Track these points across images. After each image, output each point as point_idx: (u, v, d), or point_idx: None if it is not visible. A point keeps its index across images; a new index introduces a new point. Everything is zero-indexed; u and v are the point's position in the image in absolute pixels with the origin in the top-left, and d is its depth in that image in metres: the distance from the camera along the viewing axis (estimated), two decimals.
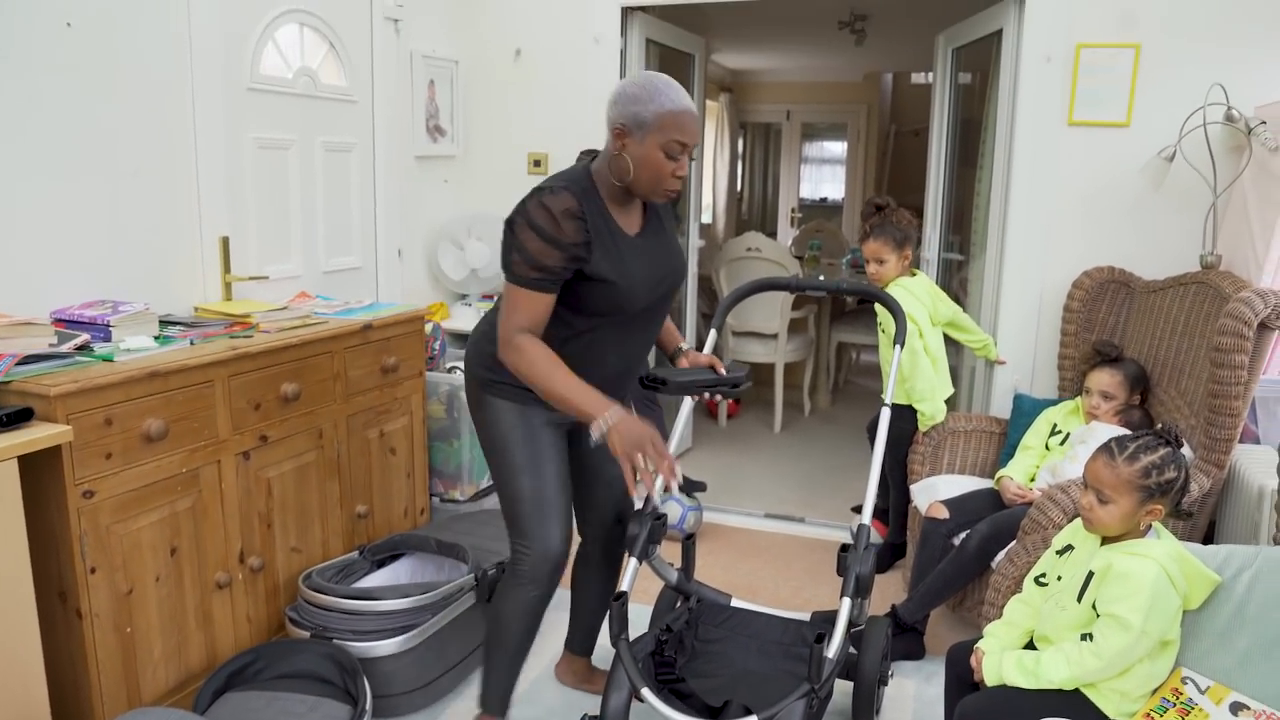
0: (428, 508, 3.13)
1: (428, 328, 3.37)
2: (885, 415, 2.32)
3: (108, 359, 2.11)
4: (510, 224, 1.90)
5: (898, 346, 2.47)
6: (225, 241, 2.77)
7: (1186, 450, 2.59)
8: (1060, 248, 3.28)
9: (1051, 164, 3.25)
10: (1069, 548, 1.98)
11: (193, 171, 2.66)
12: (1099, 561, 1.82)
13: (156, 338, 2.33)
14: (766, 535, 3.67)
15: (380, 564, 2.73)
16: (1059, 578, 1.96)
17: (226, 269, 2.78)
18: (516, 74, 3.83)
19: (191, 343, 2.34)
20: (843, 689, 2.39)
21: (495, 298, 2.18)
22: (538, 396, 1.98)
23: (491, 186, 3.92)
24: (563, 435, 2.17)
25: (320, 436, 2.61)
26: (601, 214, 1.95)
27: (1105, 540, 1.88)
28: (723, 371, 2.22)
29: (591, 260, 1.92)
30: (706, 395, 2.21)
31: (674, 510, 3.53)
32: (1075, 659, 1.78)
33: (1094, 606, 1.80)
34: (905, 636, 2.78)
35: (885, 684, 2.47)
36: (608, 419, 1.84)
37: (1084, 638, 1.80)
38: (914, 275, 3.14)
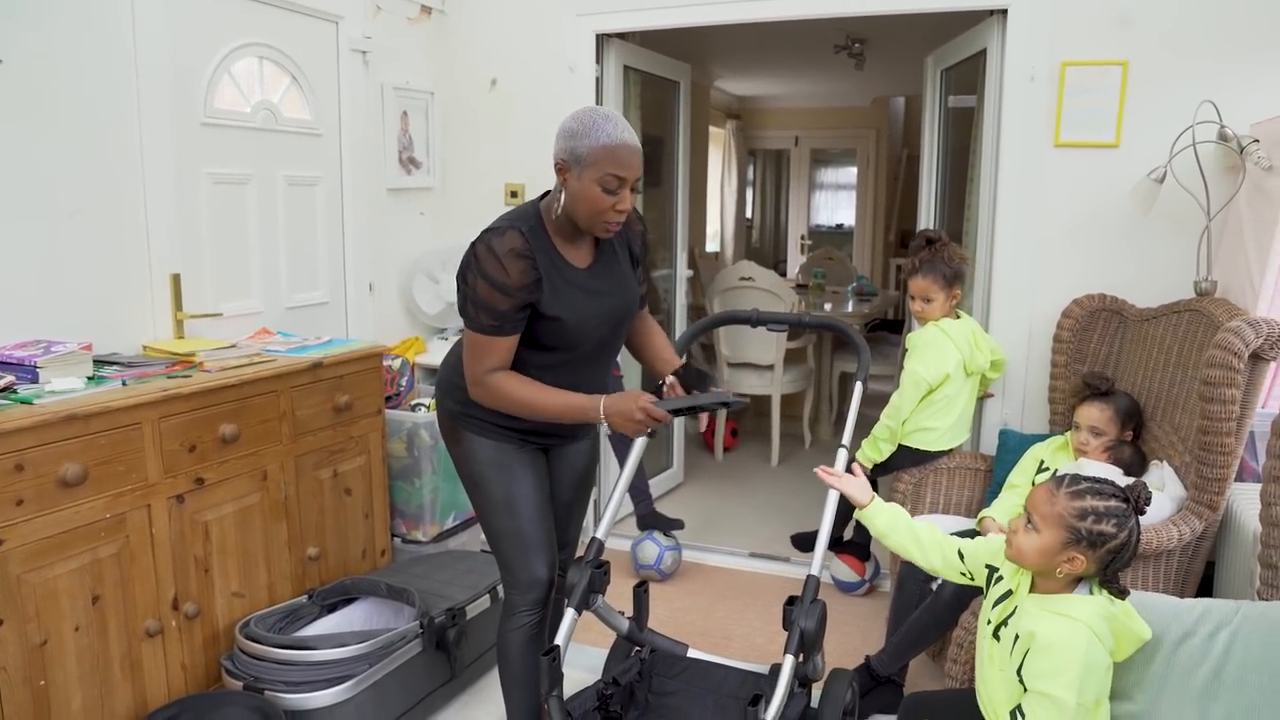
0: (389, 549, 3.03)
1: (395, 363, 3.30)
2: (841, 457, 2.20)
3: (26, 402, 2.04)
4: (462, 272, 1.90)
5: (859, 383, 2.35)
6: (176, 279, 2.71)
7: (1162, 498, 2.42)
8: (1049, 275, 3.14)
9: (1039, 187, 3.11)
10: (1000, 576, 1.81)
11: (141, 208, 2.61)
12: (1025, 623, 1.65)
13: (90, 378, 2.27)
14: (749, 576, 3.53)
15: (332, 608, 2.64)
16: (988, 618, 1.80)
17: (178, 306, 2.73)
18: (493, 104, 3.77)
19: (124, 383, 2.27)
20: None
21: None
22: (509, 428, 2.06)
23: (469, 218, 3.80)
24: (540, 455, 2.16)
25: (265, 478, 2.53)
26: (549, 251, 1.94)
27: (1033, 585, 1.72)
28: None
29: (542, 299, 1.92)
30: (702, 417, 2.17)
31: (650, 550, 3.42)
32: None
33: (1020, 675, 1.64)
34: (882, 689, 2.63)
35: None
36: (600, 414, 1.91)
37: (1014, 713, 1.64)
38: (959, 318, 2.98)
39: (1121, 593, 1.66)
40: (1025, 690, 1.62)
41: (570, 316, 1.95)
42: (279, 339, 2.93)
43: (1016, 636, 1.65)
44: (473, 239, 1.92)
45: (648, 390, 2.18)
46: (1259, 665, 1.62)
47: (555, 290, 1.92)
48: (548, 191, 2.02)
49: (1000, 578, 1.80)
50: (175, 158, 2.69)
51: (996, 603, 1.76)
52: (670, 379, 2.22)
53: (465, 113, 3.82)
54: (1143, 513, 1.63)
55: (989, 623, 1.80)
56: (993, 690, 1.72)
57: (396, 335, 3.68)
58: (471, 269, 1.88)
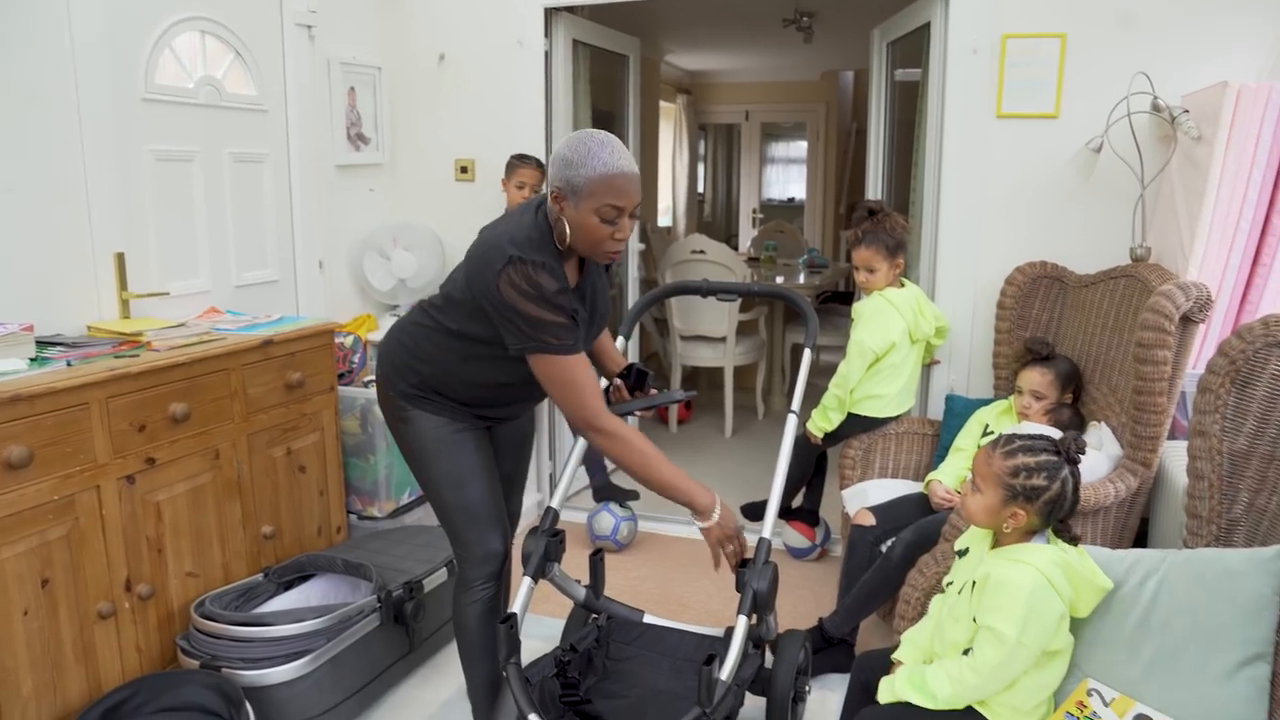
0: (345, 525, 3.03)
1: (348, 340, 3.29)
2: (791, 423, 2.25)
3: None
4: (506, 302, 1.81)
5: (807, 350, 2.40)
6: (120, 258, 2.67)
7: (1100, 457, 2.51)
8: (993, 243, 3.21)
9: (982, 158, 3.17)
10: (966, 550, 1.90)
11: (81, 186, 2.56)
12: (982, 569, 1.74)
13: (33, 359, 2.24)
14: (704, 544, 3.57)
15: (288, 586, 2.64)
16: (951, 583, 1.88)
17: (123, 286, 2.68)
18: (441, 79, 3.74)
19: (69, 364, 2.24)
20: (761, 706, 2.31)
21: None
22: (460, 406, 2.07)
23: (419, 194, 3.83)
24: (484, 431, 2.17)
25: (217, 456, 2.52)
26: (564, 280, 1.91)
27: (994, 544, 1.81)
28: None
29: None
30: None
31: (606, 521, 3.46)
32: (955, 676, 1.70)
33: (975, 619, 1.72)
34: (834, 649, 2.70)
35: (803, 700, 2.38)
36: (715, 514, 1.95)
37: (966, 652, 1.73)
38: (902, 286, 3.02)
39: (1073, 540, 1.75)
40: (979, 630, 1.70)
41: None
42: (228, 318, 2.90)
43: (974, 583, 1.73)
44: (499, 264, 1.81)
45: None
46: (1183, 608, 1.70)
47: None
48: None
49: (967, 551, 1.88)
50: (116, 134, 2.63)
51: (959, 554, 1.86)
52: (617, 381, 2.27)
53: (413, 88, 3.78)
54: (1075, 462, 1.71)
55: (950, 584, 1.88)
56: (950, 645, 1.78)
57: (348, 313, 3.65)
58: (519, 298, 1.81)
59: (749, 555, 2.05)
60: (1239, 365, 1.83)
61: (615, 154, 1.81)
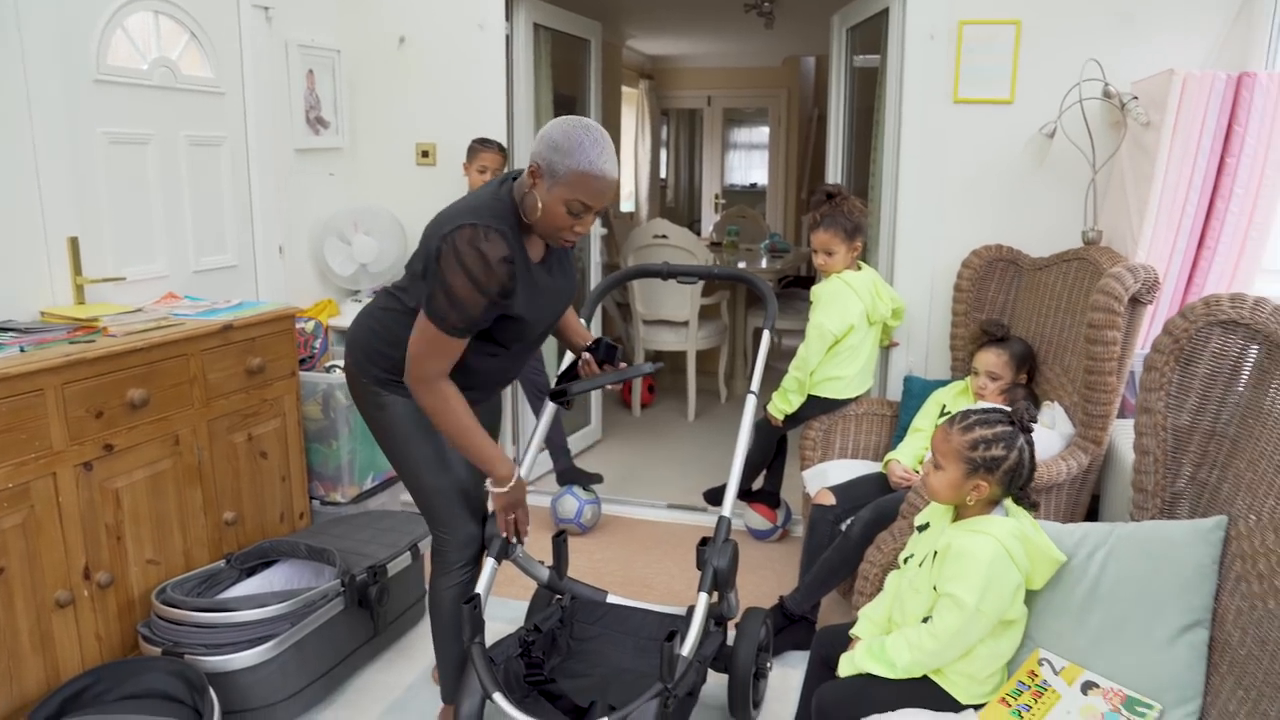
0: (308, 511, 3.02)
1: (309, 326, 3.26)
2: (750, 404, 2.28)
3: None
4: (440, 266, 1.83)
5: (766, 332, 2.43)
6: (74, 242, 2.62)
7: (1053, 436, 2.58)
8: (950, 227, 3.27)
9: (939, 143, 3.22)
10: (927, 525, 1.95)
11: (31, 169, 2.51)
12: (943, 540, 1.79)
13: None
14: (667, 526, 3.62)
15: (251, 571, 2.63)
16: (910, 557, 1.93)
17: (77, 271, 2.64)
18: (401, 63, 3.71)
19: (23, 350, 2.21)
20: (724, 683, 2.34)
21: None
22: None
23: (380, 178, 3.81)
24: None
25: (177, 443, 2.50)
26: (522, 251, 1.94)
27: (955, 517, 1.86)
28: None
29: (514, 304, 1.93)
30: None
31: (570, 505, 3.47)
32: (915, 642, 1.75)
33: (935, 587, 1.77)
34: (795, 627, 2.74)
35: (764, 677, 2.43)
36: (509, 485, 2.03)
37: (926, 621, 1.78)
38: (860, 269, 3.05)
39: (1033, 505, 1.81)
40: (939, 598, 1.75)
41: (531, 317, 1.99)
42: (187, 303, 2.87)
43: (935, 553, 1.77)
44: (448, 228, 1.84)
45: (565, 370, 2.32)
46: (1129, 579, 1.76)
47: (524, 293, 1.94)
48: (516, 174, 1.98)
49: (927, 526, 1.92)
50: (67, 116, 2.58)
51: (920, 529, 1.90)
52: (585, 355, 2.29)
53: (373, 71, 3.75)
54: (1029, 430, 1.76)
55: (912, 556, 1.92)
56: (910, 616, 1.83)
57: (309, 298, 3.62)
58: (454, 266, 1.82)
59: (709, 535, 2.08)
60: (1182, 344, 1.89)
61: (603, 156, 1.85)
